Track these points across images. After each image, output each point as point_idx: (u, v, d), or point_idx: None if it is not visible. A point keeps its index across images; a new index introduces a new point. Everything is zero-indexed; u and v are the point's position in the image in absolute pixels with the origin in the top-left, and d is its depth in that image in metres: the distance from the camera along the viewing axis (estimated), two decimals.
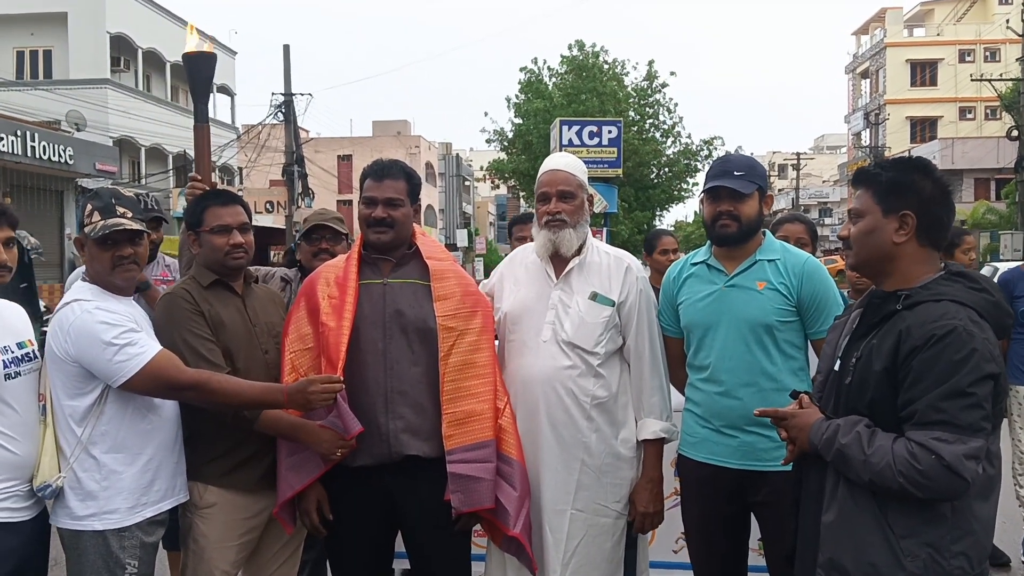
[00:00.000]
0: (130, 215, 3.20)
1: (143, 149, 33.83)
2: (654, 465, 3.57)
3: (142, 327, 3.18)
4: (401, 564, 3.82)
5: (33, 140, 24.15)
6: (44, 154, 24.58)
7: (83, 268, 3.49)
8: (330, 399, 3.15)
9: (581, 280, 3.55)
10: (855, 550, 2.45)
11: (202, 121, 3.98)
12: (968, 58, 53.15)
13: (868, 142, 56.81)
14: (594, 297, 3.52)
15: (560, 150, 21.43)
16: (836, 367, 2.67)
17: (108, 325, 3.04)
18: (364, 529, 3.43)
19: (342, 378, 3.19)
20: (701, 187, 3.63)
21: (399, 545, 3.59)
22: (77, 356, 3.04)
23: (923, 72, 54.78)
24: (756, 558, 3.83)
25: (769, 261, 3.50)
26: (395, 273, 3.49)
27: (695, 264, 3.65)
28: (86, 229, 3.17)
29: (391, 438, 3.33)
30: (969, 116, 53.56)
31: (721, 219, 3.48)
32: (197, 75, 4.07)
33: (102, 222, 3.15)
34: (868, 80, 59.84)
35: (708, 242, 3.66)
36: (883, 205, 2.56)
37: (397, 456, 3.33)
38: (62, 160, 25.36)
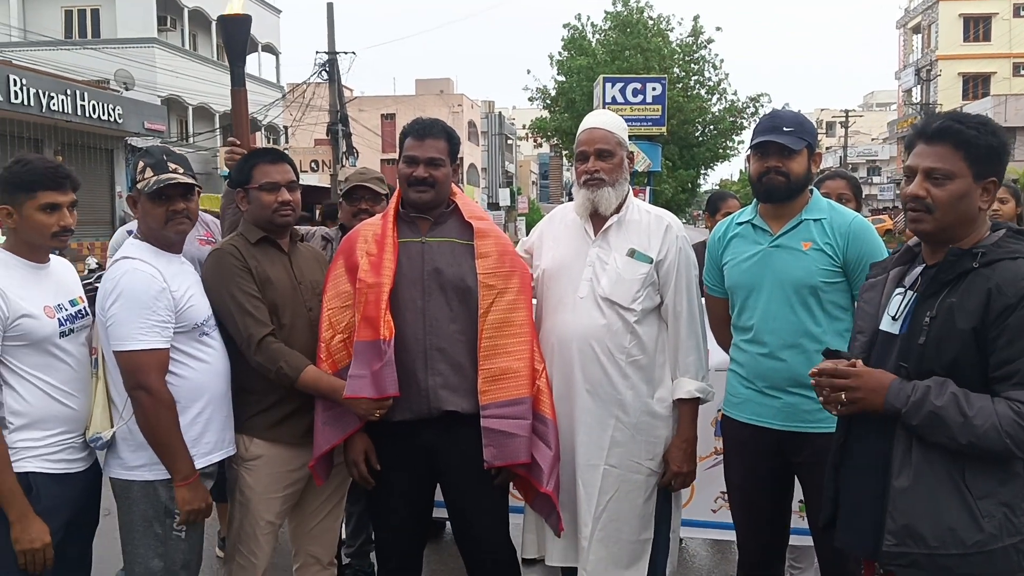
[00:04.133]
0: (181, 171, 3.25)
1: (190, 108, 34.04)
2: (689, 425, 3.58)
3: (183, 288, 3.21)
4: (442, 512, 3.88)
5: (83, 99, 24.38)
6: (94, 113, 24.81)
7: (130, 227, 3.53)
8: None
9: (620, 237, 3.56)
10: (933, 515, 2.42)
11: (239, 84, 3.99)
12: (1023, 12, 51.70)
13: (919, 99, 55.57)
14: (632, 254, 3.52)
15: (603, 107, 21.29)
16: (891, 328, 2.60)
17: (139, 304, 3.08)
18: (404, 481, 3.48)
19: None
20: (748, 144, 3.56)
21: (439, 495, 3.64)
22: (104, 308, 3.11)
23: (976, 27, 53.37)
24: (797, 520, 3.84)
25: (815, 220, 3.44)
26: (433, 231, 3.51)
27: (740, 224, 3.61)
28: (139, 185, 3.21)
29: (430, 394, 3.37)
30: (1023, 72, 52.19)
31: (768, 174, 3.42)
32: (233, 38, 4.08)
33: (155, 177, 3.19)
34: (920, 35, 58.45)
35: (754, 201, 3.62)
36: (975, 169, 2.46)
37: (436, 412, 3.38)
38: (111, 119, 25.60)
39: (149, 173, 3.20)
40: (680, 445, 3.56)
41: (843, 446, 2.72)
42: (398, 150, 3.57)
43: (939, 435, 2.39)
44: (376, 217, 3.67)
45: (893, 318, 2.61)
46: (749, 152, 3.53)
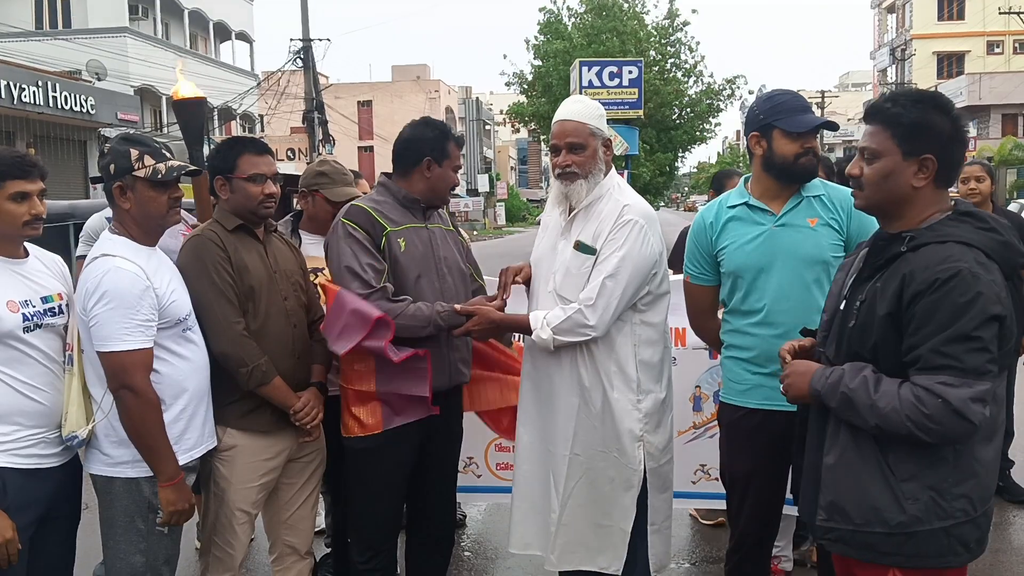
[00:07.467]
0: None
1: (164, 98, 33.74)
2: (512, 321, 3.57)
3: (165, 283, 3.15)
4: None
5: (55, 90, 24.13)
6: (66, 104, 24.57)
7: (108, 212, 3.38)
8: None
9: (579, 229, 3.48)
10: (857, 494, 2.45)
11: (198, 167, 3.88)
12: None
13: (894, 79, 55.84)
14: (578, 247, 3.44)
15: (580, 92, 21.24)
16: (842, 308, 2.63)
17: (123, 304, 3.01)
18: (409, 452, 3.67)
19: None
20: (772, 121, 3.40)
21: None
22: (86, 307, 3.04)
23: (950, 6, 53.55)
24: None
25: (815, 197, 3.44)
26: (430, 219, 3.72)
27: (733, 207, 3.54)
28: (138, 173, 3.12)
29: (451, 368, 3.67)
30: (997, 50, 52.32)
31: (807, 155, 3.40)
32: (189, 121, 3.95)
33: (164, 164, 3.14)
34: (894, 15, 58.64)
35: (741, 182, 3.59)
36: (904, 147, 2.45)
37: (454, 384, 3.71)
38: (84, 110, 25.35)
39: (149, 160, 3.13)
40: (487, 323, 3.50)
41: (803, 422, 2.77)
42: (443, 154, 3.67)
43: (853, 417, 2.44)
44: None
45: (845, 301, 2.63)
46: (778, 132, 3.40)
